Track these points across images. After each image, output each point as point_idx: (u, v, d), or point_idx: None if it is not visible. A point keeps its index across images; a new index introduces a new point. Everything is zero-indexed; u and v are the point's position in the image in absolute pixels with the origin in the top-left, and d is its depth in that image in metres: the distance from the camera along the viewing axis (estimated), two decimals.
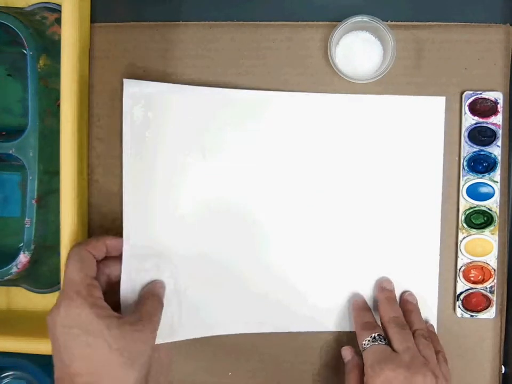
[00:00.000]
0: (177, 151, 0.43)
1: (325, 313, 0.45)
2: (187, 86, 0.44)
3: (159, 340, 0.42)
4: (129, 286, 0.42)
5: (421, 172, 0.44)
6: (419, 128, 0.43)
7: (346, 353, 0.44)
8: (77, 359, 0.35)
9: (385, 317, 0.42)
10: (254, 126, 0.44)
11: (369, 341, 0.40)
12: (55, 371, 0.36)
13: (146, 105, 0.42)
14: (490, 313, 0.45)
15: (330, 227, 0.45)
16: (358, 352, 0.43)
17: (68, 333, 0.36)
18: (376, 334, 0.40)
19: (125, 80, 0.42)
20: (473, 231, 0.45)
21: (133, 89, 0.42)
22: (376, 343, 0.39)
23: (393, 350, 0.39)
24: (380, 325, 0.42)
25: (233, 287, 0.45)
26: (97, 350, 0.35)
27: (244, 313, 0.45)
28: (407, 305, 0.44)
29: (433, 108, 0.43)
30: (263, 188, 0.44)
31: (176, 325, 0.44)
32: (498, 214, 0.45)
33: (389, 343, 0.40)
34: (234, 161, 0.44)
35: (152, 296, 0.42)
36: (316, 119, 0.44)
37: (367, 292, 0.45)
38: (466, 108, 0.45)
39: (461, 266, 0.45)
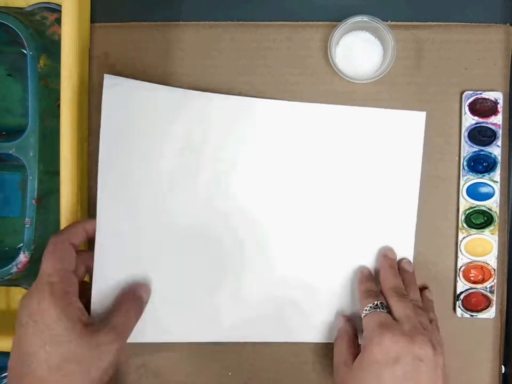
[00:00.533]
0: (170, 148, 0.43)
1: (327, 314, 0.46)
2: (171, 87, 0.43)
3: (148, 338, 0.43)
4: (103, 282, 0.41)
5: (401, 176, 0.45)
6: (401, 138, 0.44)
7: (340, 320, 0.44)
8: (35, 353, 0.34)
9: (386, 285, 0.42)
10: (242, 128, 0.44)
11: (370, 307, 0.40)
12: (12, 353, 0.36)
13: (130, 103, 0.42)
14: (490, 313, 0.45)
15: (321, 225, 0.45)
16: (351, 321, 0.44)
17: (32, 325, 0.35)
18: (378, 302, 0.40)
19: (105, 76, 0.41)
20: (473, 231, 0.45)
21: (114, 86, 0.41)
22: (378, 309, 0.39)
23: (394, 318, 0.39)
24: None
25: (233, 288, 0.45)
26: (56, 352, 0.34)
27: (241, 315, 0.45)
28: (403, 274, 0.43)
29: (414, 121, 0.44)
30: (256, 191, 0.44)
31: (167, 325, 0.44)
32: (498, 214, 0.45)
33: (389, 313, 0.39)
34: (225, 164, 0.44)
35: (130, 301, 0.40)
36: (303, 126, 0.44)
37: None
38: (466, 108, 0.45)
39: (461, 266, 0.45)
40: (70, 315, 0.35)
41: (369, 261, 0.45)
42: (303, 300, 0.45)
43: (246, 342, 0.47)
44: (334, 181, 0.45)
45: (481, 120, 0.44)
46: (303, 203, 0.45)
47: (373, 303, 0.40)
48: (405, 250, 0.45)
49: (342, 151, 0.44)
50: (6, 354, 0.44)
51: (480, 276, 0.46)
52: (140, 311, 0.41)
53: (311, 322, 0.46)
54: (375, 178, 0.45)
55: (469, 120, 0.45)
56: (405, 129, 0.44)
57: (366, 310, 0.40)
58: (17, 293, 0.49)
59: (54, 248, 0.37)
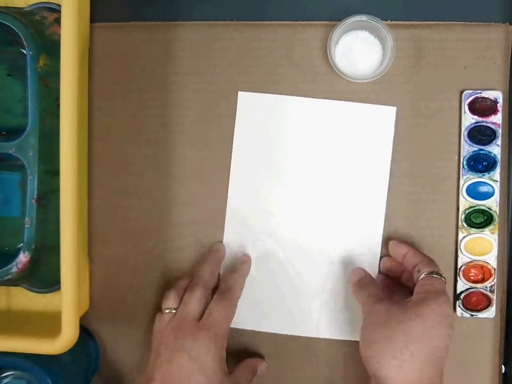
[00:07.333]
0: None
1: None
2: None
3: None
4: None
5: (372, 164, 0.46)
6: (373, 130, 0.46)
7: (358, 271, 0.45)
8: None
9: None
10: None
11: (426, 273, 0.41)
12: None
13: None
14: (490, 313, 0.45)
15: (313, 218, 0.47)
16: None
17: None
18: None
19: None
20: (473, 230, 0.45)
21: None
22: (434, 274, 0.40)
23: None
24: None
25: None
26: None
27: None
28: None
29: (385, 114, 0.46)
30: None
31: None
32: (498, 213, 0.45)
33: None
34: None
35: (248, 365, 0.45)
36: (301, 119, 0.47)
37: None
38: (466, 107, 0.45)
39: (461, 266, 0.45)
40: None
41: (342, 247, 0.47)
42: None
43: (245, 342, 0.47)
44: (323, 170, 0.47)
45: (480, 119, 0.44)
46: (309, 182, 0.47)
47: (429, 271, 0.41)
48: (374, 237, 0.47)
49: (326, 142, 0.46)
50: (6, 354, 0.44)
51: (480, 275, 0.46)
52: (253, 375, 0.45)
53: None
54: (352, 167, 0.46)
55: (469, 119, 0.45)
56: (377, 122, 0.46)
57: (425, 273, 0.41)
58: (17, 293, 0.49)
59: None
